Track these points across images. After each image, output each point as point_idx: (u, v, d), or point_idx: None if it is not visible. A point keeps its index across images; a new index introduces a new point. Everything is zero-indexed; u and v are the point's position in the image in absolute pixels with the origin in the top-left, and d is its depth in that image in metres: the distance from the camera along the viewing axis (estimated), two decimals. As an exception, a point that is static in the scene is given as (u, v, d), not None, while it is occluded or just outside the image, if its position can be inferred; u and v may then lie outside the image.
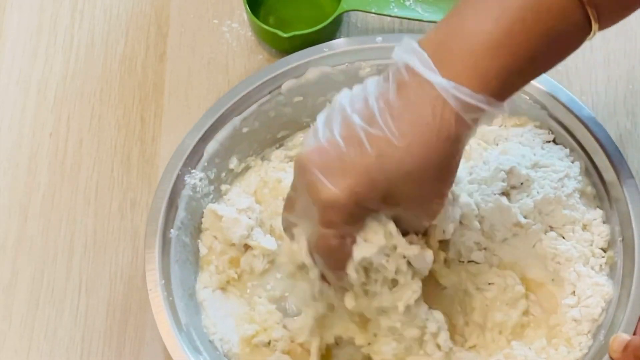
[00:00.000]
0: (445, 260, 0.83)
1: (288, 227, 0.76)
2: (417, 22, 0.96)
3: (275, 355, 0.82)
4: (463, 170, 0.86)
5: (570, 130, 0.87)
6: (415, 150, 0.69)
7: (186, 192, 0.86)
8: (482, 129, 0.89)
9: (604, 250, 0.84)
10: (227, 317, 0.85)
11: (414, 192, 0.71)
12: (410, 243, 0.75)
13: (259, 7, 0.99)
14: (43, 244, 0.91)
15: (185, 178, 0.87)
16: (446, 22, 0.71)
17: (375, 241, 0.73)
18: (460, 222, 0.82)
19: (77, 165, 0.94)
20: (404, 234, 0.74)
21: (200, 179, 0.87)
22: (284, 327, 0.83)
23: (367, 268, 0.75)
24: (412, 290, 0.76)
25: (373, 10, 0.96)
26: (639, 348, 0.76)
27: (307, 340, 0.81)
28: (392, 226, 0.73)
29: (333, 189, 0.69)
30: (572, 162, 0.87)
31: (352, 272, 0.73)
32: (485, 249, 0.84)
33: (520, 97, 0.88)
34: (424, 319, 0.78)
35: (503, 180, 0.84)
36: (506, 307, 0.82)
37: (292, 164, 0.82)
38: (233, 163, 0.90)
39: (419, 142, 0.69)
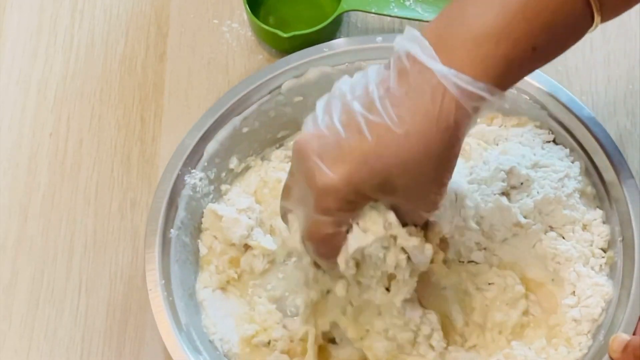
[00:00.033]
0: (445, 261, 0.83)
1: (285, 214, 0.75)
2: (417, 22, 0.96)
3: (274, 355, 0.82)
4: (463, 170, 0.86)
5: (570, 130, 0.87)
6: (414, 138, 0.68)
7: (186, 192, 0.86)
8: (482, 129, 0.90)
9: (604, 251, 0.84)
10: (227, 317, 0.85)
11: (412, 180, 0.70)
12: (410, 235, 0.74)
13: (259, 7, 0.99)
14: (43, 244, 0.91)
15: (185, 178, 0.87)
16: (448, 11, 0.71)
17: (373, 230, 0.72)
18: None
19: (77, 165, 0.94)
20: (403, 225, 0.73)
21: (200, 179, 0.87)
22: (284, 327, 0.83)
23: (359, 262, 0.74)
24: (408, 287, 0.76)
25: (373, 10, 0.96)
26: (638, 348, 0.76)
27: (302, 328, 0.81)
28: (391, 216, 0.72)
29: (330, 174, 0.69)
30: (572, 162, 0.87)
31: (342, 262, 0.73)
32: (485, 249, 0.84)
33: (520, 97, 0.88)
34: (418, 323, 0.78)
35: (503, 180, 0.84)
36: (506, 307, 0.82)
37: (292, 164, 0.82)
38: (233, 163, 0.90)
39: (418, 130, 0.68)
